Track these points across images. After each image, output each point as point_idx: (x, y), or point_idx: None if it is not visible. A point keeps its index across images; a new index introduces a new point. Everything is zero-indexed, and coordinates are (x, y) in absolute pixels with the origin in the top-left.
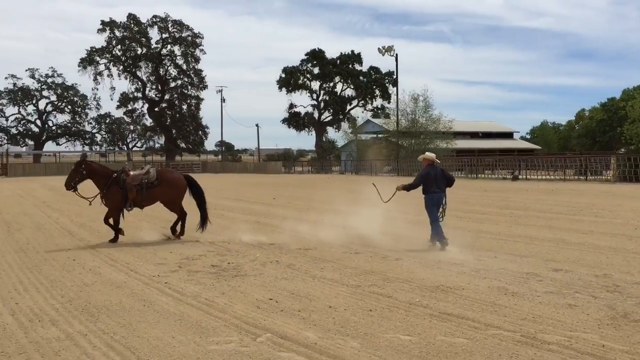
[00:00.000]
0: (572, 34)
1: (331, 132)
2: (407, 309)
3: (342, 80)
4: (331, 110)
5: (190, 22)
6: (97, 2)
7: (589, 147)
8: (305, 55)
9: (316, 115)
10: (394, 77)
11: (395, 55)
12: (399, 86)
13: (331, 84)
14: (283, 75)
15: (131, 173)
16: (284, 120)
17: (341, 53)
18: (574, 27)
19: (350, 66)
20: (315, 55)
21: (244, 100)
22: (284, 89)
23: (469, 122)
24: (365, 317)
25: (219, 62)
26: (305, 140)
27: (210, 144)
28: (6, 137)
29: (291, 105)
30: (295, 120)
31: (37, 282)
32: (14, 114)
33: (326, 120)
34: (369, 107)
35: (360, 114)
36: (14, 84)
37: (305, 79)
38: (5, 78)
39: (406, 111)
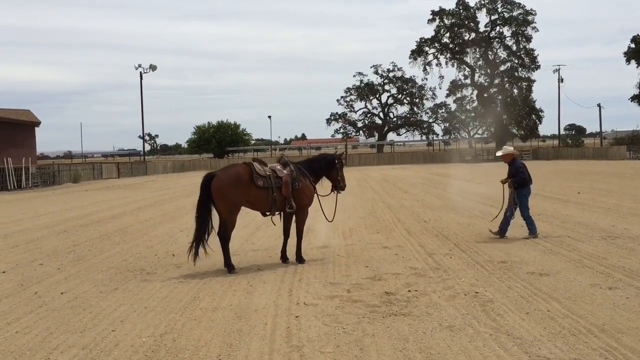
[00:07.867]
0: None
1: None
2: None
3: None
4: None
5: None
6: None
7: None
8: None
9: None
10: None
11: None
12: None
13: None
14: (632, 46)
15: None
16: (634, 98)
17: None
18: None
19: None
20: None
21: (585, 79)
22: (632, 62)
23: None
24: None
25: (555, 41)
26: None
27: (554, 129)
28: (354, 130)
29: None
30: None
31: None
32: (361, 108)
33: None
34: None
35: None
36: (361, 81)
37: None
38: (353, 76)
39: None
